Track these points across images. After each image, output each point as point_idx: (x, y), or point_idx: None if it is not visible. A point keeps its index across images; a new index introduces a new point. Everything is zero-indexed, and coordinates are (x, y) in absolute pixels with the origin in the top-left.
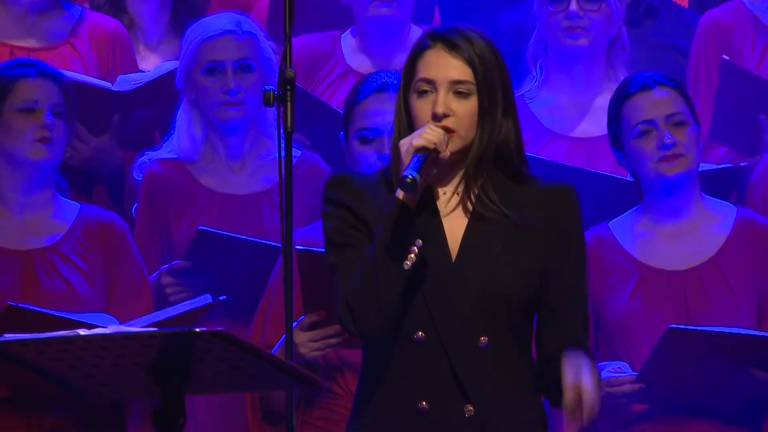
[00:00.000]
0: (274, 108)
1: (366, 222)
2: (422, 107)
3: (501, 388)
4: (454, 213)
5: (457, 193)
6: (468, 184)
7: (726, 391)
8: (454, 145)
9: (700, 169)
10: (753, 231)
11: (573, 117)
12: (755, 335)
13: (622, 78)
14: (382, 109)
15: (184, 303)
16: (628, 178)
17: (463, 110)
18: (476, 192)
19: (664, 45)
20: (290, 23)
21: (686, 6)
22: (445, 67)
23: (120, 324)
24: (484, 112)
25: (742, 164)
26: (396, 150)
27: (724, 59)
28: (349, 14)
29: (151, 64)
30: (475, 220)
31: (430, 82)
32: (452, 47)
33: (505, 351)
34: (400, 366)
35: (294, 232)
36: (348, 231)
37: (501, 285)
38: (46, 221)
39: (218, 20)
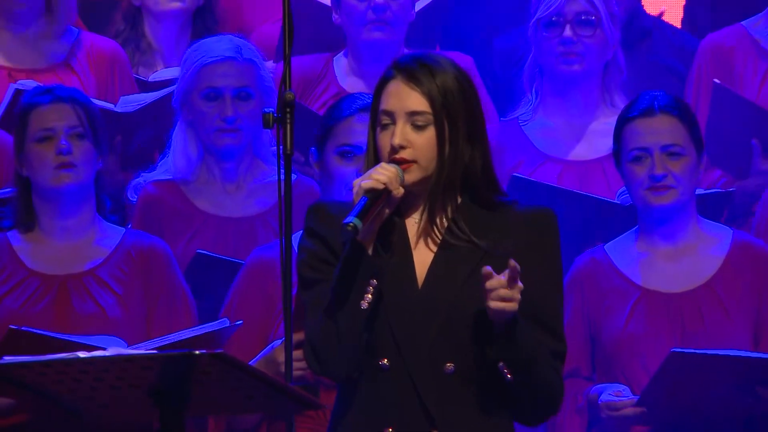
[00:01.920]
0: (269, 131)
1: (338, 253)
2: (383, 139)
3: (468, 414)
4: (423, 242)
5: (421, 221)
6: (432, 212)
7: (729, 412)
8: (414, 175)
9: None
10: (749, 253)
11: (567, 140)
12: (759, 357)
13: (618, 101)
14: (365, 127)
15: (202, 326)
16: (619, 201)
17: (421, 141)
18: (443, 220)
19: (659, 66)
20: (290, 45)
21: (679, 26)
22: (403, 98)
23: (127, 346)
24: (443, 142)
25: (730, 189)
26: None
27: (716, 83)
28: (342, 36)
29: (144, 87)
30: (443, 248)
31: (389, 113)
32: (411, 78)
33: (471, 377)
34: (367, 393)
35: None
36: (319, 266)
37: (466, 311)
38: (88, 247)
39: (219, 45)
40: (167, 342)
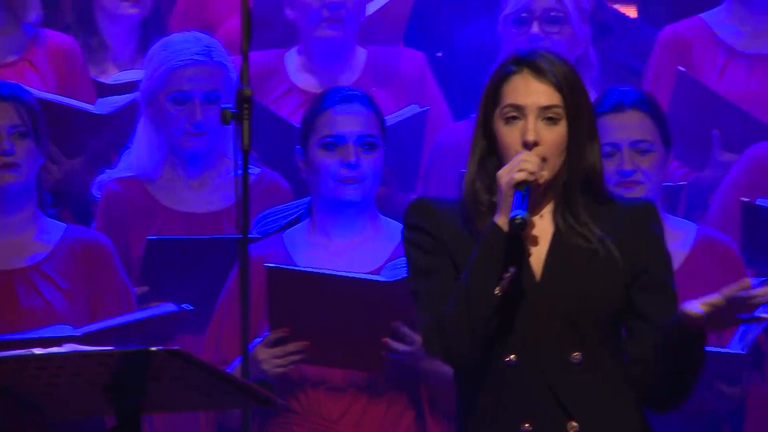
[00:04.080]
0: (232, 126)
1: (447, 246)
2: (511, 134)
3: (601, 403)
4: (538, 235)
5: (541, 216)
6: (560, 210)
7: (687, 407)
8: (546, 172)
9: None
10: (713, 249)
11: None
12: (719, 352)
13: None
14: (347, 118)
15: (146, 309)
16: None
17: (553, 137)
18: (564, 215)
19: (620, 61)
20: (247, 41)
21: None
22: (534, 92)
23: (73, 329)
24: (572, 137)
25: (681, 183)
26: (472, 179)
27: (681, 71)
28: (293, 32)
29: (100, 88)
30: (558, 240)
31: (518, 108)
32: (539, 71)
33: (598, 365)
34: (497, 390)
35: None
36: (432, 258)
37: (587, 301)
38: (30, 242)
39: (187, 45)
40: (114, 325)
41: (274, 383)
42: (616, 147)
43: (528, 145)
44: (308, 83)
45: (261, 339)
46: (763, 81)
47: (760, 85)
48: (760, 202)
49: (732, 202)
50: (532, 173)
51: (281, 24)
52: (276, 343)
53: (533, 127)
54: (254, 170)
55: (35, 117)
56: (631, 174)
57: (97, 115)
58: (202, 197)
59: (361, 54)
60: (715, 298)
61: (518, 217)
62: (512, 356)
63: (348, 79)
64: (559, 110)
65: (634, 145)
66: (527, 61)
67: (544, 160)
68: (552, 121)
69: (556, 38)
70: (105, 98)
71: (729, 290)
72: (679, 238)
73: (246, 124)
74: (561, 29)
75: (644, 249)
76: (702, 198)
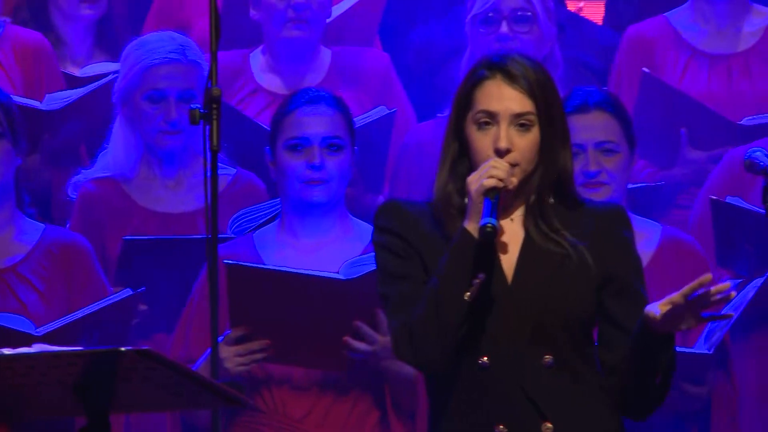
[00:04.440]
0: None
1: (417, 249)
2: (483, 140)
3: (574, 404)
4: (508, 239)
5: (512, 220)
6: (532, 214)
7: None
8: (516, 178)
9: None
10: (678, 249)
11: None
12: (685, 352)
13: None
14: (312, 119)
15: (105, 299)
16: None
17: (525, 143)
18: (535, 219)
19: (573, 61)
20: (216, 41)
21: (600, 23)
22: (507, 99)
23: (35, 327)
24: (545, 143)
25: (658, 183)
26: (443, 182)
27: (645, 72)
28: (258, 32)
29: (72, 81)
30: (529, 245)
31: (491, 114)
32: (512, 78)
33: (570, 368)
34: (470, 393)
35: (218, 246)
36: (402, 262)
37: (557, 305)
38: (7, 243)
39: (162, 44)
40: (75, 318)
41: (243, 383)
42: (581, 148)
43: (500, 153)
44: (273, 84)
45: (221, 338)
46: (723, 81)
47: (720, 85)
48: (729, 200)
49: (709, 209)
50: (501, 180)
51: (247, 24)
52: (237, 341)
53: (505, 135)
54: (230, 170)
55: (12, 118)
56: (596, 175)
57: (43, 111)
58: (178, 197)
59: (325, 54)
60: (674, 296)
61: (488, 225)
62: (485, 358)
63: (313, 79)
64: (532, 117)
65: (598, 145)
66: (500, 67)
67: (515, 165)
68: (524, 127)
69: (524, 38)
70: (53, 94)
71: (689, 287)
72: (643, 239)
73: (215, 124)
74: (530, 29)
75: (615, 255)
76: (671, 196)
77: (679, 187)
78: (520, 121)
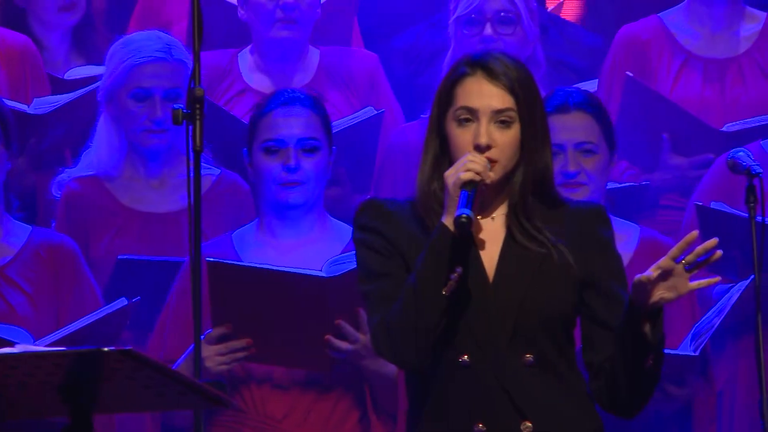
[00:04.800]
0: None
1: (399, 248)
2: (463, 136)
3: (555, 402)
4: (490, 238)
5: (494, 219)
6: (513, 212)
7: None
8: (496, 174)
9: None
10: (656, 250)
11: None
12: (671, 353)
13: None
14: (287, 121)
15: (99, 310)
16: None
17: (506, 140)
18: (517, 218)
19: (555, 62)
20: (199, 41)
21: (577, 20)
22: (487, 95)
23: (34, 340)
24: (526, 140)
25: (643, 182)
26: (426, 178)
27: (628, 76)
28: (246, 32)
29: (56, 83)
30: (510, 243)
31: (471, 111)
32: (492, 74)
33: (551, 366)
34: (449, 391)
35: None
36: (383, 260)
37: (538, 304)
38: None
39: (148, 43)
40: (70, 332)
41: (226, 383)
42: (560, 148)
43: (480, 148)
44: (261, 84)
45: (202, 337)
46: (717, 86)
47: (714, 90)
48: (714, 205)
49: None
50: (478, 173)
51: (234, 24)
52: (219, 339)
53: (485, 131)
54: (214, 171)
55: (4, 121)
56: (575, 175)
57: (31, 115)
58: (162, 196)
59: (314, 55)
60: (662, 260)
61: (463, 216)
62: (465, 356)
63: (301, 79)
64: (512, 113)
65: (578, 146)
66: (481, 64)
67: (495, 162)
68: (505, 124)
69: (508, 39)
70: (42, 98)
71: (676, 248)
72: (622, 240)
73: (198, 124)
74: (514, 30)
75: (596, 255)
76: (652, 199)
77: (658, 191)
78: (500, 118)
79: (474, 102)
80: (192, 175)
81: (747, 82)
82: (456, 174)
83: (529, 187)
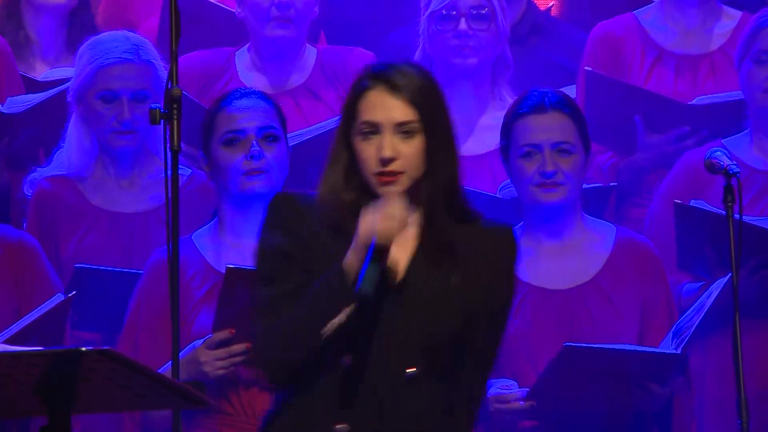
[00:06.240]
0: (162, 126)
1: (303, 247)
2: (368, 150)
3: (425, 420)
4: (400, 243)
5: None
6: (424, 225)
7: (620, 407)
8: (403, 185)
9: None
10: (633, 250)
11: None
12: (652, 352)
13: (506, 95)
14: (245, 112)
15: (39, 308)
16: (501, 195)
17: (410, 150)
18: (423, 229)
19: (549, 62)
20: (176, 41)
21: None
22: (389, 108)
23: None
24: (431, 150)
25: (611, 185)
26: (336, 187)
27: (587, 71)
28: (244, 31)
29: (30, 85)
30: (419, 257)
31: (373, 124)
32: (394, 87)
33: (432, 384)
34: (324, 387)
35: (158, 250)
36: (281, 262)
37: (430, 324)
38: None
39: (116, 44)
40: (12, 333)
41: (209, 384)
42: (537, 148)
43: (384, 162)
44: (258, 83)
45: (201, 341)
46: (689, 81)
47: (686, 85)
48: (693, 203)
49: (667, 211)
50: (390, 238)
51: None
52: (219, 345)
53: (389, 144)
54: (185, 171)
55: None
56: (552, 175)
57: (4, 114)
58: (132, 197)
59: (311, 53)
60: None
61: (362, 292)
62: (347, 359)
63: (298, 78)
64: (415, 125)
65: (555, 146)
66: (382, 77)
67: (402, 173)
68: (408, 134)
69: (482, 35)
70: (15, 97)
71: None
72: (598, 241)
73: (176, 124)
74: (488, 26)
75: (492, 281)
76: (636, 183)
77: (642, 171)
78: (403, 129)
79: (376, 116)
80: (170, 174)
81: (718, 78)
82: (372, 226)
83: (439, 198)
